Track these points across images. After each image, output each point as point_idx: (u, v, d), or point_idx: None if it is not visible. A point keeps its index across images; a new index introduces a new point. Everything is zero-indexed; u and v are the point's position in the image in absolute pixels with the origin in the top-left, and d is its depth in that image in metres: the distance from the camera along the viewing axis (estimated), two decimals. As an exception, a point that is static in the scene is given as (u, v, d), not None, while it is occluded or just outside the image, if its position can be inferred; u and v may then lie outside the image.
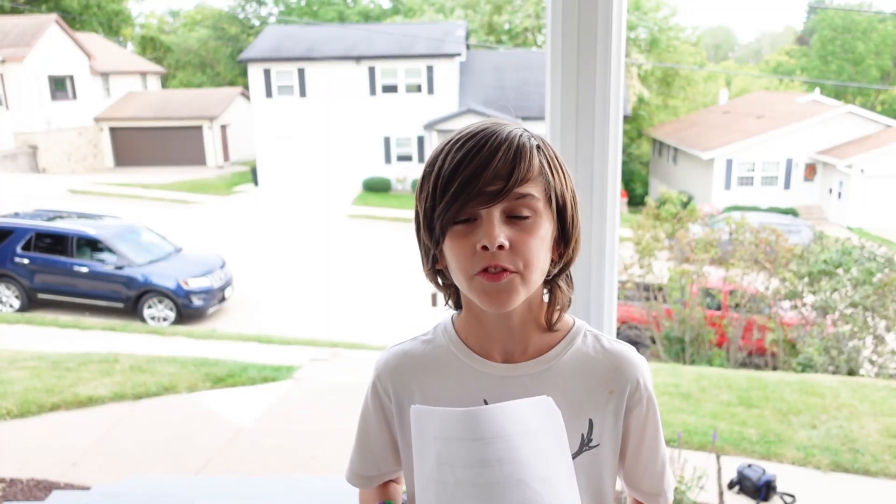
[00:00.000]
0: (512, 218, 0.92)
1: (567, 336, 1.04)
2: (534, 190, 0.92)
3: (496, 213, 0.90)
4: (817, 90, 26.65)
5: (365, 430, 1.14)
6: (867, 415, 5.02)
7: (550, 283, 1.01)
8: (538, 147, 0.94)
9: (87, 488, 3.86)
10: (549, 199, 0.95)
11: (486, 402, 1.00)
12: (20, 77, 23.52)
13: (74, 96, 25.77)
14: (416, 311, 10.80)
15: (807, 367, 7.06)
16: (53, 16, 25.29)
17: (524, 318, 1.00)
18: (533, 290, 0.96)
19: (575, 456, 1.01)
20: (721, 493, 3.89)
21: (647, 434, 1.06)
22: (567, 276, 1.04)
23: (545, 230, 0.94)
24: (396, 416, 1.08)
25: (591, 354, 1.03)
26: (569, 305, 1.04)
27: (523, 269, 0.92)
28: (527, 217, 0.92)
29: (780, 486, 3.88)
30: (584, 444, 1.02)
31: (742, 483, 3.87)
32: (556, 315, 1.02)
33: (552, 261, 0.98)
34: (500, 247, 0.90)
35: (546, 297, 1.03)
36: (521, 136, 0.93)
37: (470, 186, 0.89)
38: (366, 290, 12.19)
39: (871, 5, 40.88)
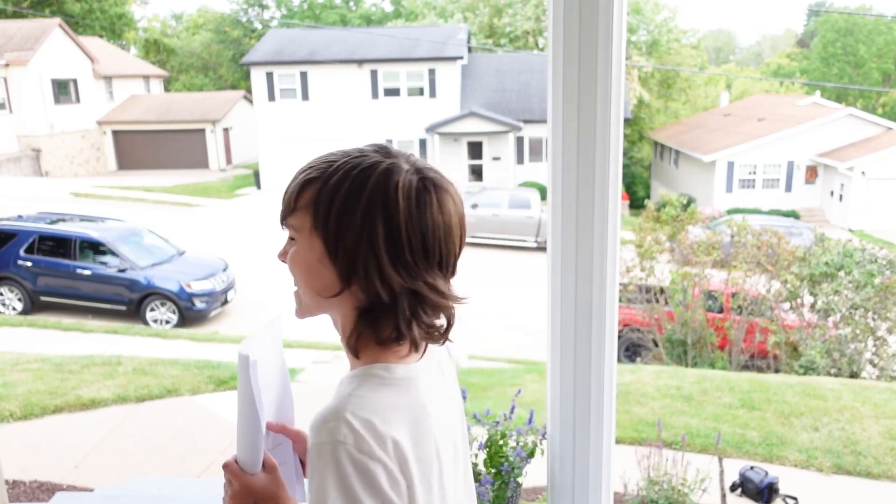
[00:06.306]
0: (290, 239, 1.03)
1: (356, 371, 1.01)
2: (297, 220, 0.99)
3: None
4: (818, 93, 26.66)
5: None
6: (869, 417, 5.02)
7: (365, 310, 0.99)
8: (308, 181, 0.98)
9: (90, 490, 3.87)
10: (314, 227, 0.97)
11: None
12: (24, 81, 23.60)
13: (77, 100, 25.84)
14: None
15: (809, 369, 7.06)
16: (57, 20, 25.37)
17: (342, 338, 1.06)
18: (310, 309, 1.08)
19: None
20: (723, 496, 3.89)
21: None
22: (396, 311, 0.96)
23: (305, 252, 1.00)
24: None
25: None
26: (378, 342, 0.99)
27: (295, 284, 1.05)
28: (291, 239, 1.02)
29: (783, 489, 3.89)
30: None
31: (744, 485, 3.87)
32: (352, 341, 1.02)
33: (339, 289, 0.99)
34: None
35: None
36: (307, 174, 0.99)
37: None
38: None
39: (871, 8, 40.93)
